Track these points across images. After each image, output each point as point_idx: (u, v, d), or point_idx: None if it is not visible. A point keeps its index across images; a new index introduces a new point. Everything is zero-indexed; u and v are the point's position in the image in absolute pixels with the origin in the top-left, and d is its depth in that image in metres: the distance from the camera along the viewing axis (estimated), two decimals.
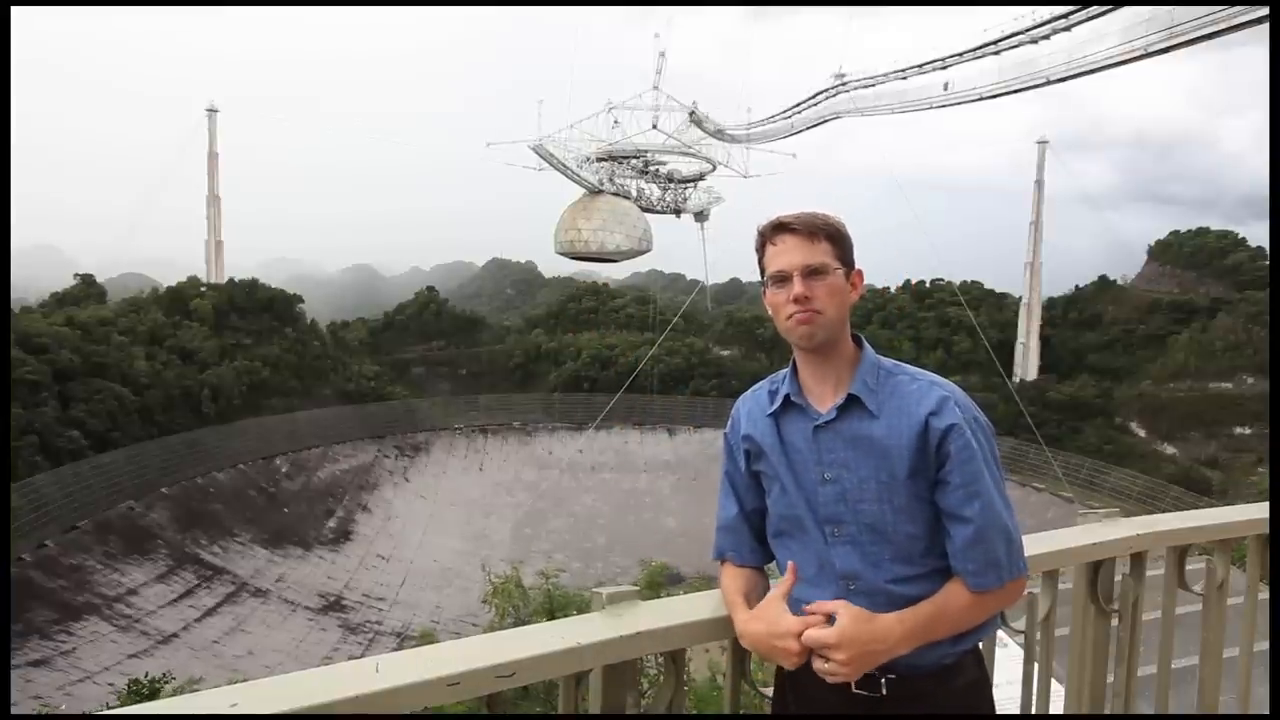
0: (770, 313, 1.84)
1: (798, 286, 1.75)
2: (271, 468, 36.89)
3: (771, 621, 1.72)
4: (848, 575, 1.75)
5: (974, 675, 1.81)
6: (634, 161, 44.51)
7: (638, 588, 1.85)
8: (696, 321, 58.21)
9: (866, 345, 1.85)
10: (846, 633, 1.64)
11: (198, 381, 39.27)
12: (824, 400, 1.80)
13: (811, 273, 1.76)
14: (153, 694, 11.51)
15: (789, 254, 1.78)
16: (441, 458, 42.63)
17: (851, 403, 1.77)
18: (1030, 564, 1.83)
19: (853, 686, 1.71)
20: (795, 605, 1.83)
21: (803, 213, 1.82)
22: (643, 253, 46.19)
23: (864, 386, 1.77)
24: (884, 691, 1.71)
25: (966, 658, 1.80)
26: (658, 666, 1.88)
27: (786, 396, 1.84)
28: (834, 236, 1.80)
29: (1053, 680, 2.35)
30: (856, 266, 1.83)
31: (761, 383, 1.95)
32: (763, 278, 1.84)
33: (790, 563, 1.81)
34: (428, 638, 19.51)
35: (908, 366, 1.84)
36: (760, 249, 1.85)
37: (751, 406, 1.92)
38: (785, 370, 1.89)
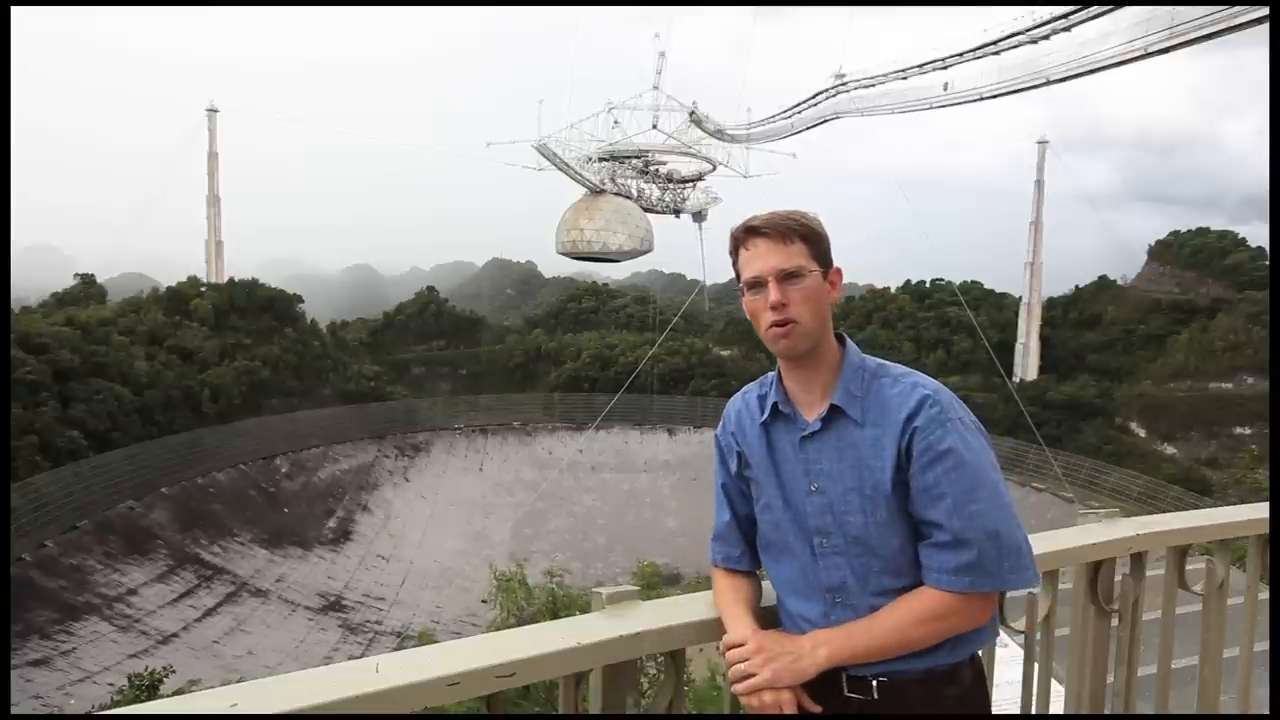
0: (750, 318, 1.78)
1: (773, 293, 1.69)
2: (271, 468, 36.83)
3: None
4: (833, 588, 1.71)
5: (969, 683, 1.75)
6: (634, 161, 44.45)
7: (638, 588, 1.85)
8: (696, 321, 58.29)
9: (850, 345, 1.78)
10: (761, 640, 1.69)
11: (198, 381, 39.31)
12: (811, 408, 1.75)
13: (786, 277, 1.69)
14: (153, 687, 11.49)
15: (762, 259, 1.71)
16: (441, 458, 42.58)
17: (836, 412, 1.72)
18: None
19: (845, 689, 1.70)
20: (789, 620, 1.81)
21: (774, 213, 1.75)
22: (645, 253, 46.14)
23: (846, 394, 1.72)
24: (875, 695, 1.69)
25: (962, 665, 1.74)
26: (658, 666, 1.87)
27: (775, 405, 1.79)
28: (808, 236, 1.72)
29: (1053, 681, 2.35)
30: (835, 264, 1.76)
31: (751, 386, 1.89)
32: (739, 282, 1.77)
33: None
34: (427, 638, 19.49)
35: (892, 366, 1.77)
36: (734, 253, 1.78)
37: (741, 409, 1.88)
38: (774, 373, 1.83)
